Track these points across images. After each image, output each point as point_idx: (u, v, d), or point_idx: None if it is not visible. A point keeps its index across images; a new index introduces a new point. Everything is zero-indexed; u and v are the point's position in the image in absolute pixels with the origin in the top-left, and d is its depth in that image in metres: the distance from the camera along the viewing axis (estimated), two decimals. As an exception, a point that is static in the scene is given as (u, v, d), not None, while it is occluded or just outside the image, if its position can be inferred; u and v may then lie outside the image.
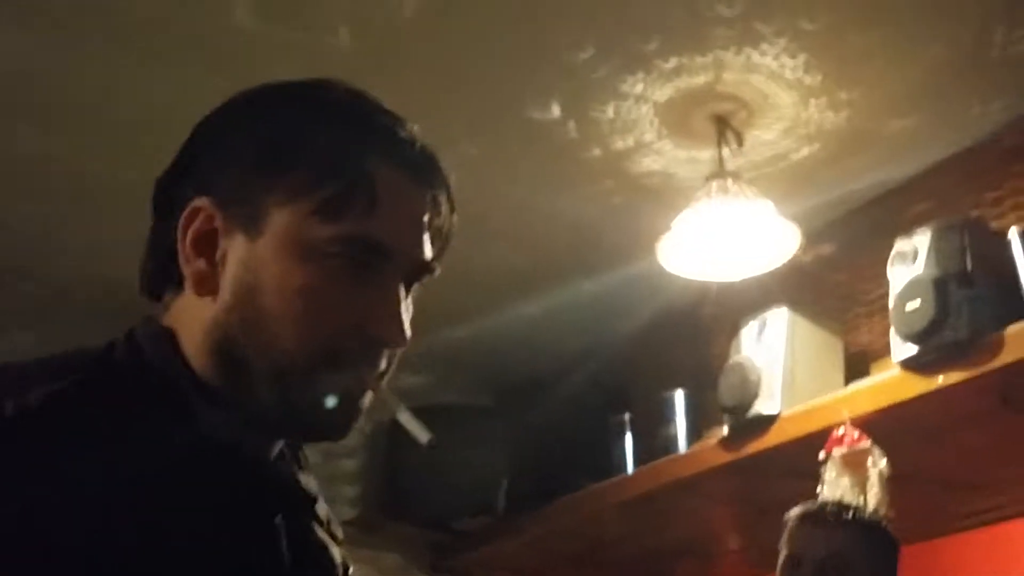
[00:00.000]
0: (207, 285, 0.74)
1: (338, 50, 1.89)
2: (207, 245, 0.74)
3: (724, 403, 2.35)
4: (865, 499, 2.03)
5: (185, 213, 0.75)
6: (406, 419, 0.78)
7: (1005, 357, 1.84)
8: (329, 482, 3.06)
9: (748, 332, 2.40)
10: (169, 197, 0.77)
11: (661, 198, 2.33)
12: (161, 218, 0.78)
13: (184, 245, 0.74)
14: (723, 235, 2.15)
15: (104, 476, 0.64)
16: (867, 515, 1.70)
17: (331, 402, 0.74)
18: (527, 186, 2.33)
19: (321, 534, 0.81)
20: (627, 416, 2.75)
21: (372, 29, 1.89)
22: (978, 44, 1.94)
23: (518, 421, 3.11)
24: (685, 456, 2.54)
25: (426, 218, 0.78)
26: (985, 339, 1.87)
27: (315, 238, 0.72)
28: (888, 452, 2.01)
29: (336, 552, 0.82)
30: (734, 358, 2.38)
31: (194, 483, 0.68)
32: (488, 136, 2.18)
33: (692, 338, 2.78)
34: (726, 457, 2.38)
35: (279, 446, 0.80)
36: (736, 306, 2.55)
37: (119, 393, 0.71)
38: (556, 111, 2.10)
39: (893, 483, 2.01)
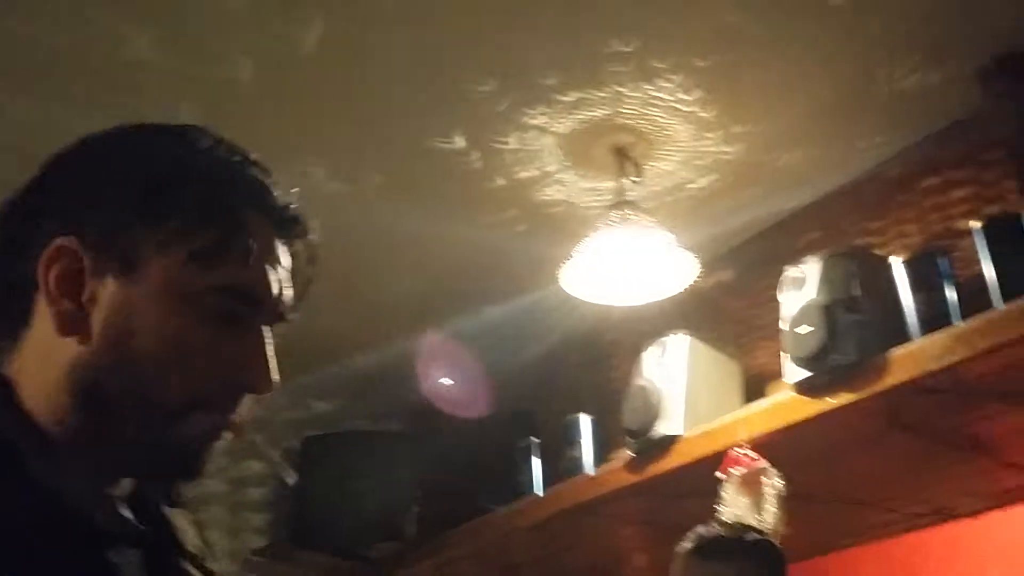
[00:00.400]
0: (75, 326, 0.73)
1: (240, 83, 1.89)
2: (73, 285, 0.73)
3: (627, 425, 2.39)
4: (761, 518, 2.10)
5: (48, 251, 0.73)
6: (275, 461, 0.80)
7: (889, 379, 1.91)
8: (236, 511, 3.02)
9: (649, 356, 2.46)
10: (21, 231, 0.75)
11: (564, 226, 2.38)
12: (5, 252, 0.76)
13: (48, 284, 0.73)
14: (624, 262, 2.21)
15: None
16: (756, 540, 1.72)
17: (193, 445, 0.76)
18: (432, 215, 2.35)
19: (189, 568, 0.81)
20: (534, 440, 2.78)
21: (275, 61, 1.89)
22: (863, 82, 2.04)
23: (427, 446, 3.12)
24: (591, 478, 2.58)
25: (291, 267, 0.80)
26: (871, 362, 1.95)
27: (193, 286, 0.74)
28: (783, 471, 2.08)
29: None
30: (636, 381, 2.43)
31: (22, 532, 0.67)
32: (393, 166, 2.21)
33: (596, 362, 2.83)
34: (631, 478, 2.43)
35: (127, 486, 0.79)
36: (638, 331, 2.61)
37: None
38: (460, 142, 2.13)
39: (788, 501, 2.08)
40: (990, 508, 2.63)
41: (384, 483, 2.99)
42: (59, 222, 0.74)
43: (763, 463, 2.09)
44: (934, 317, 1.93)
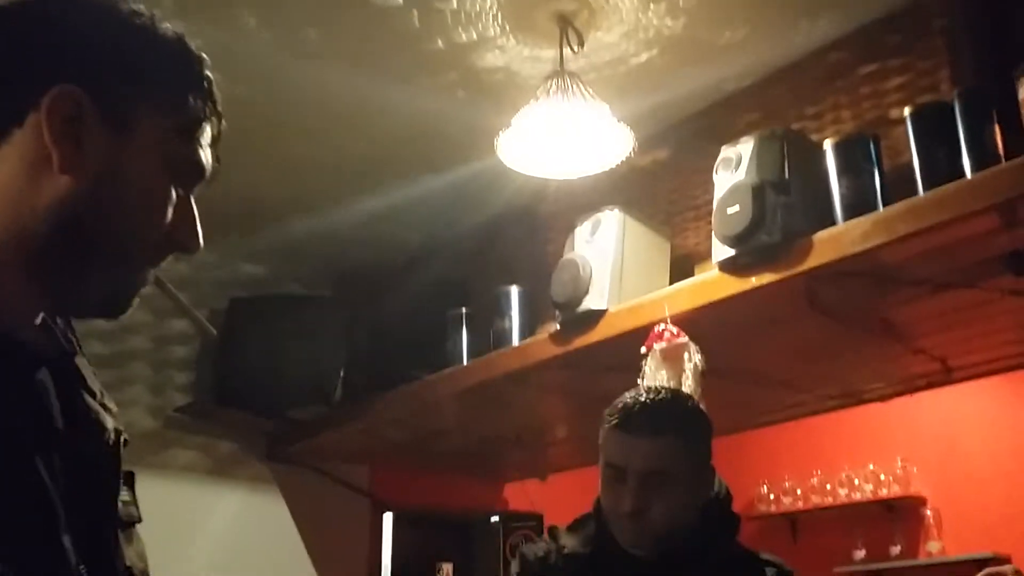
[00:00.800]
0: (72, 167, 0.80)
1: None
2: (72, 129, 0.80)
3: (556, 298, 2.42)
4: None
5: (52, 93, 0.80)
6: (193, 315, 0.88)
7: (812, 261, 1.96)
8: (160, 368, 3.01)
9: (582, 231, 2.47)
10: (18, 70, 0.82)
11: (503, 94, 2.35)
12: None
13: (52, 123, 0.80)
14: (561, 134, 2.19)
15: None
16: (684, 411, 1.61)
17: (132, 289, 0.86)
18: (368, 75, 2.30)
19: (91, 402, 0.87)
20: (464, 310, 2.80)
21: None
22: (809, -39, 2.02)
23: (357, 312, 3.13)
24: (517, 349, 2.62)
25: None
26: (795, 243, 1.98)
27: (174, 152, 0.85)
28: (704, 349, 2.12)
29: (107, 419, 0.88)
30: (567, 255, 2.45)
31: None
32: (331, 22, 2.14)
33: (530, 235, 2.84)
34: (556, 350, 2.47)
35: (41, 318, 0.85)
36: (572, 205, 2.62)
37: None
38: (399, -1, 2.07)
39: (707, 378, 2.13)
40: (899, 393, 2.74)
41: (311, 347, 3.00)
42: (56, 71, 0.81)
43: (685, 339, 2.14)
44: (859, 203, 1.96)
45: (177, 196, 0.86)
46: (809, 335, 2.33)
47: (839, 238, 1.93)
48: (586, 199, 2.55)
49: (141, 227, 0.84)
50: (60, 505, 0.79)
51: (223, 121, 0.91)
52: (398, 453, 3.31)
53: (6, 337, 0.78)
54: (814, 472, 4.10)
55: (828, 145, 2.04)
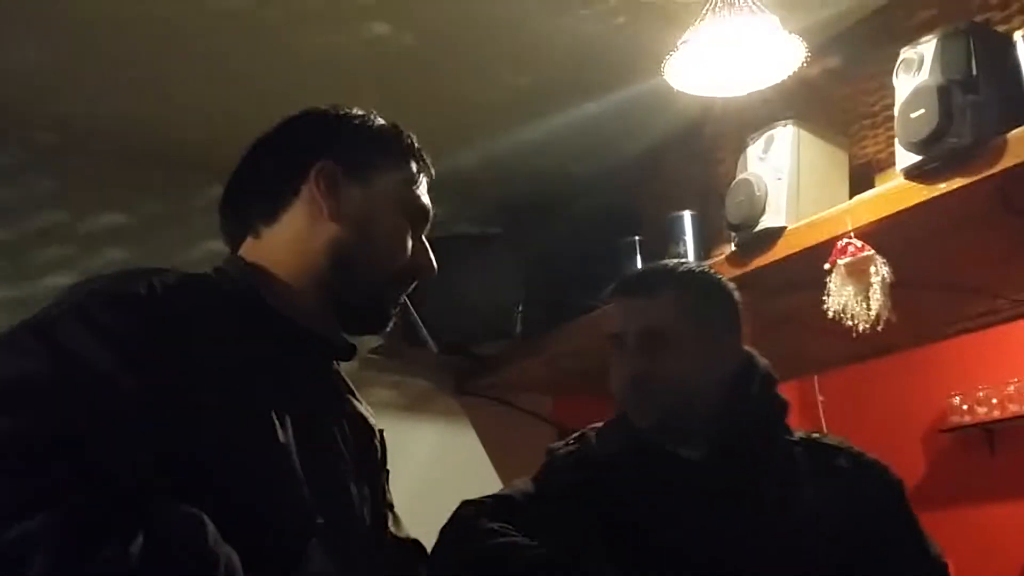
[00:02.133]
0: (337, 216, 1.12)
1: None
2: (333, 189, 1.12)
3: (731, 220, 2.39)
4: (868, 306, 2.10)
5: (316, 168, 1.13)
6: (419, 328, 1.19)
7: (1006, 161, 1.85)
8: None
9: (754, 149, 2.42)
10: (288, 155, 1.15)
11: (664, 15, 2.31)
12: (278, 167, 1.15)
13: (319, 187, 1.12)
14: (728, 51, 2.14)
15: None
16: (688, 270, 1.47)
17: (391, 305, 1.17)
18: (525, 6, 2.30)
19: (356, 403, 1.20)
20: (636, 238, 2.80)
21: None
22: None
23: (529, 247, 3.17)
24: (694, 273, 2.60)
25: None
26: (987, 144, 1.88)
27: (409, 200, 1.17)
28: (890, 260, 2.06)
29: (370, 418, 1.21)
30: (740, 175, 2.41)
31: (270, 344, 1.06)
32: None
33: (699, 157, 2.80)
34: (733, 272, 2.44)
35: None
36: (742, 123, 2.56)
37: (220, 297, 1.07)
38: (557, -72, 2.06)
39: (896, 290, 2.08)
40: (1102, 294, 2.59)
41: (489, 285, 3.07)
42: (315, 155, 1.14)
43: (870, 252, 2.08)
44: (1057, 95, 1.84)
45: (413, 236, 1.16)
46: (1003, 239, 2.22)
47: (1035, 135, 1.83)
48: (754, 116, 2.49)
49: (390, 257, 1.14)
50: (351, 464, 1.09)
51: (432, 174, 1.22)
52: (579, 382, 3.36)
53: (310, 331, 1.10)
54: (1011, 380, 3.91)
55: (1019, 36, 1.91)
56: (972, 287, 2.52)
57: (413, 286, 1.19)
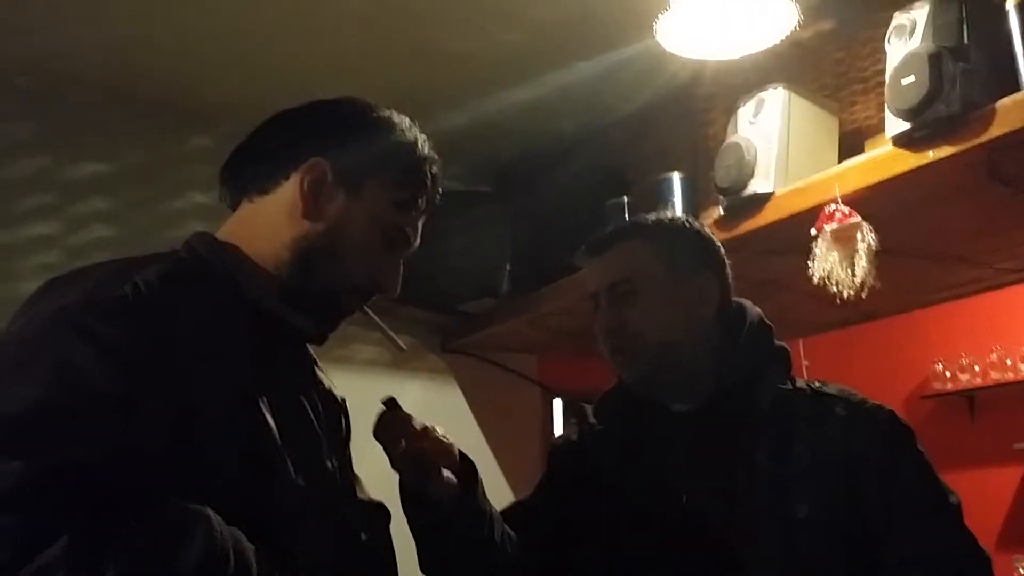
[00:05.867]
0: (314, 214, 1.11)
1: None
2: (318, 187, 1.12)
3: (719, 183, 2.39)
4: (853, 273, 2.10)
5: (308, 163, 1.12)
6: (384, 331, 1.24)
7: (994, 130, 1.86)
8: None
9: (744, 112, 2.41)
10: (284, 145, 1.14)
11: (658, -24, 2.29)
12: (273, 154, 1.14)
13: (303, 182, 1.12)
14: (721, 12, 2.13)
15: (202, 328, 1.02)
16: (657, 220, 1.44)
17: (342, 313, 1.15)
18: (522, -35, 2.28)
19: (322, 376, 1.22)
20: (625, 198, 2.79)
21: None
22: None
23: (518, 205, 3.16)
24: (681, 235, 2.60)
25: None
26: (976, 113, 1.88)
27: (388, 219, 1.14)
28: (877, 227, 2.07)
29: (334, 389, 1.23)
30: (730, 138, 2.40)
31: (237, 326, 1.07)
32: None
33: (687, 119, 2.79)
34: (721, 236, 2.41)
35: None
36: (733, 85, 2.55)
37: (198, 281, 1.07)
38: None
39: (881, 257, 2.08)
40: (1086, 264, 2.60)
41: (477, 242, 3.06)
42: (318, 147, 1.13)
43: (857, 218, 2.08)
44: (1048, 65, 1.84)
45: (387, 256, 1.14)
46: (988, 208, 2.22)
47: (1023, 104, 1.82)
48: (745, 79, 2.48)
49: (351, 270, 1.12)
50: (324, 437, 1.12)
51: (433, 206, 1.19)
52: (564, 342, 3.37)
53: (285, 320, 1.10)
54: (993, 348, 3.94)
55: (1011, 5, 1.90)
56: (957, 255, 2.52)
57: (372, 299, 1.17)
